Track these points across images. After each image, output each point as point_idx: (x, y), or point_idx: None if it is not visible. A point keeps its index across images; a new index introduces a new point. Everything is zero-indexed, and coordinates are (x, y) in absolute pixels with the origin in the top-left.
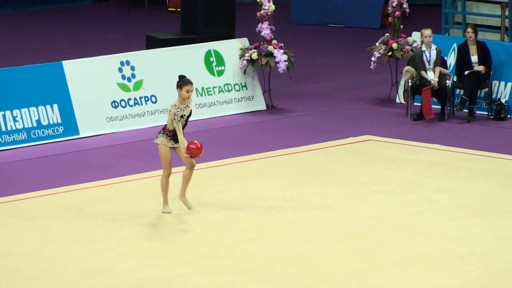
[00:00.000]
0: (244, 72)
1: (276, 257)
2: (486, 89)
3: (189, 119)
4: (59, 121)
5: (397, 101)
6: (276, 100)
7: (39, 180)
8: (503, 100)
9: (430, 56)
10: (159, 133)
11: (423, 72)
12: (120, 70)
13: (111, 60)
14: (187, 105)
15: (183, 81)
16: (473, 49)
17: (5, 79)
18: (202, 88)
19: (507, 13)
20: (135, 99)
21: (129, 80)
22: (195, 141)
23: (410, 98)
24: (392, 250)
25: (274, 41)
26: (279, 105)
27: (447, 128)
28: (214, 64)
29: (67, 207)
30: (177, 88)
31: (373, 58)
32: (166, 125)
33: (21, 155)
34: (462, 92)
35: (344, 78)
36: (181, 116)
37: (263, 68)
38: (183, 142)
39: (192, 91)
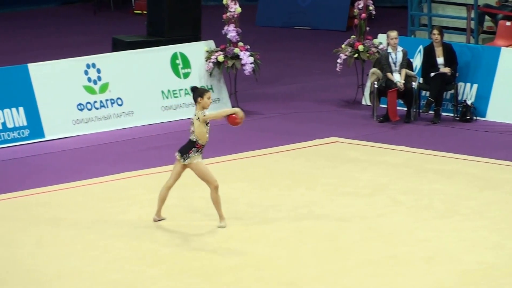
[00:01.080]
0: (210, 74)
1: (241, 259)
2: (452, 91)
3: (153, 123)
4: (25, 124)
5: (363, 103)
6: (242, 103)
7: (5, 183)
8: (469, 102)
9: (396, 58)
10: (188, 153)
11: (389, 74)
12: (86, 72)
13: (77, 63)
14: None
15: (203, 90)
16: (439, 51)
17: None
18: (168, 91)
19: (472, 15)
20: (101, 101)
21: (95, 82)
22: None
23: (376, 100)
24: (359, 251)
25: (240, 44)
26: (245, 108)
27: (413, 130)
28: (180, 66)
29: (33, 210)
30: (198, 98)
31: (339, 60)
32: (195, 141)
33: None
34: (428, 94)
35: (310, 80)
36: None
37: (229, 70)
38: (225, 112)
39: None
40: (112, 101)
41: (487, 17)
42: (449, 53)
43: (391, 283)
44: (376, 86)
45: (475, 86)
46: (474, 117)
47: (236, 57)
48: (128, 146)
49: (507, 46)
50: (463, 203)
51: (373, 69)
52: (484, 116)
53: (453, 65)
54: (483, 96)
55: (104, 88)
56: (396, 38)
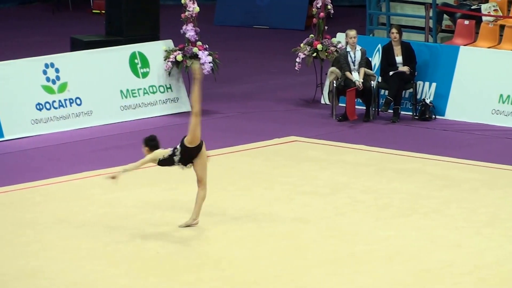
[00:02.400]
0: (169, 74)
1: (201, 258)
2: (411, 90)
3: (112, 123)
4: None
5: (322, 102)
6: (201, 102)
7: None
8: (427, 101)
9: (355, 57)
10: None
11: (348, 73)
12: (45, 72)
13: (36, 63)
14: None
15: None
16: (397, 49)
17: None
18: (127, 90)
19: (431, 14)
20: (59, 101)
21: (53, 82)
22: None
23: (335, 99)
24: (319, 251)
25: (199, 43)
26: (204, 107)
27: (372, 129)
28: (139, 66)
29: None
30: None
31: (298, 59)
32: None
33: None
34: (387, 92)
35: (269, 80)
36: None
37: (188, 69)
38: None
39: None
40: (71, 100)
41: (445, 16)
42: (407, 52)
43: (351, 282)
44: (335, 85)
45: (434, 84)
46: (433, 116)
47: (195, 56)
48: (87, 146)
49: (465, 45)
50: (423, 201)
51: (332, 68)
52: (443, 114)
53: (412, 64)
54: (442, 94)
55: (63, 88)
56: (355, 37)
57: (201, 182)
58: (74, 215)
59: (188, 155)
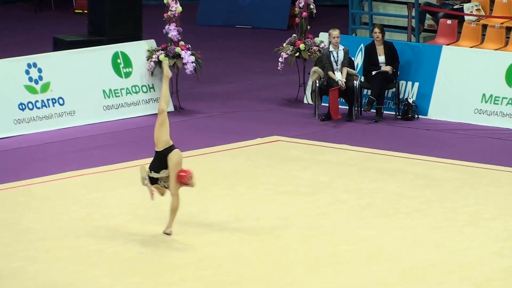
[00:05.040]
0: (152, 73)
1: (184, 258)
2: (394, 89)
3: (95, 123)
4: None
5: (305, 101)
6: (184, 102)
7: None
8: (410, 100)
9: (337, 56)
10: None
11: (330, 73)
12: (27, 72)
13: (18, 62)
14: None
15: None
16: (380, 49)
17: None
18: (110, 90)
19: (413, 14)
20: (42, 101)
21: (36, 82)
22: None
23: (318, 99)
24: (301, 250)
25: (182, 43)
26: (187, 107)
27: (355, 128)
28: (121, 66)
29: None
30: None
31: (280, 59)
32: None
33: None
34: (369, 92)
35: (252, 79)
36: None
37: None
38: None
39: None
40: (54, 100)
41: (428, 15)
42: (390, 52)
43: (333, 282)
44: (317, 84)
45: (417, 84)
46: (416, 116)
47: (178, 56)
48: (70, 146)
49: (448, 44)
50: (405, 201)
51: (315, 68)
52: (425, 114)
53: (394, 63)
54: (425, 94)
55: (45, 88)
56: (337, 37)
57: (171, 192)
58: (56, 215)
59: (156, 160)
